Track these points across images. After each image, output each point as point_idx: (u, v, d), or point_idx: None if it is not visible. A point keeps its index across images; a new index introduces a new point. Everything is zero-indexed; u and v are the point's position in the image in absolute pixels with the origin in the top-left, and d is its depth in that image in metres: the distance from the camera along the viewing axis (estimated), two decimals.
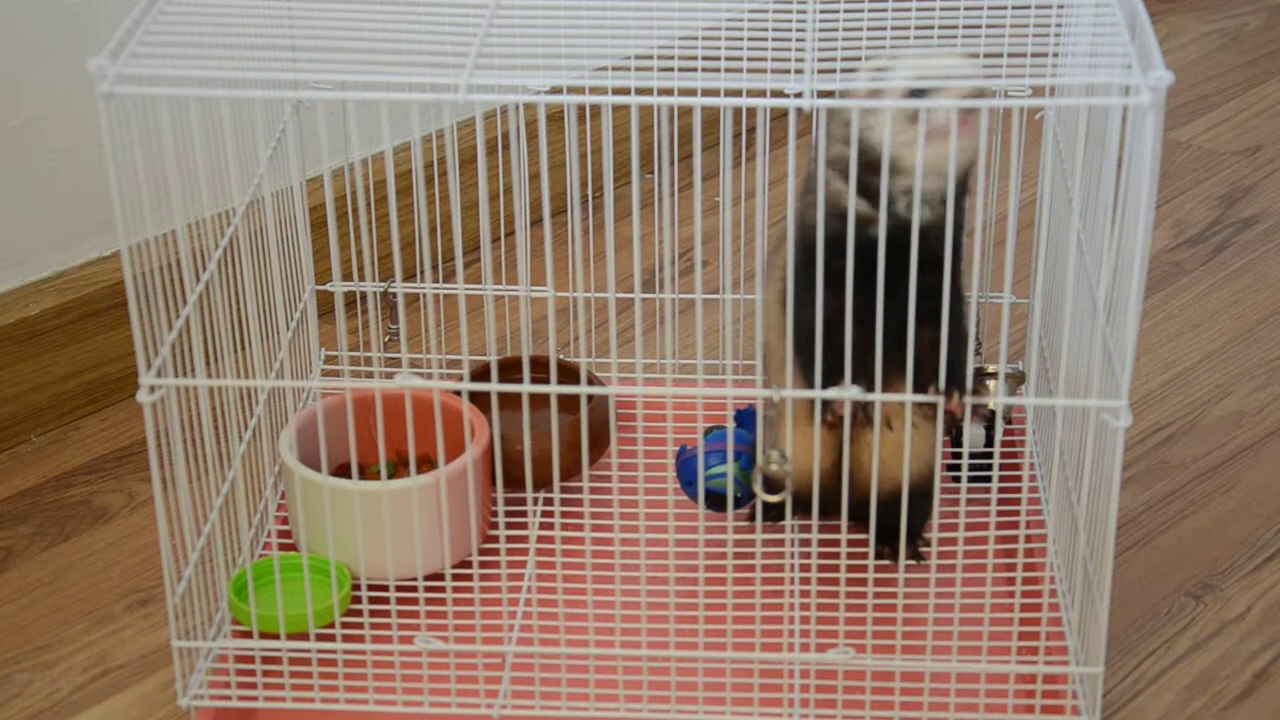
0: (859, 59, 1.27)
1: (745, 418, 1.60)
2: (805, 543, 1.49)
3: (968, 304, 1.36)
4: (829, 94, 1.18)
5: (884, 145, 1.30)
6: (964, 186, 1.35)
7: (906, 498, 1.37)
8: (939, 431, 1.39)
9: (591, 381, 1.63)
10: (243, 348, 1.33)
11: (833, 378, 1.30)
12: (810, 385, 1.36)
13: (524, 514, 1.57)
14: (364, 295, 1.85)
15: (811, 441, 1.42)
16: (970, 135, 1.29)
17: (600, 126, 1.84)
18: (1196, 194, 2.21)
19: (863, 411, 1.37)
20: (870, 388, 1.28)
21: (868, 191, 1.33)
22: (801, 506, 1.46)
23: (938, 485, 1.44)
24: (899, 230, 1.28)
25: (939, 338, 1.26)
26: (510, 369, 1.61)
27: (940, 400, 1.30)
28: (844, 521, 1.34)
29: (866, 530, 1.39)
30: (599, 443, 1.60)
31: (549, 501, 1.58)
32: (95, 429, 1.79)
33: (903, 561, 1.44)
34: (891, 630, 1.40)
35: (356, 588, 1.44)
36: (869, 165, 1.32)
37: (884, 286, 1.24)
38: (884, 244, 1.25)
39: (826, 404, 1.36)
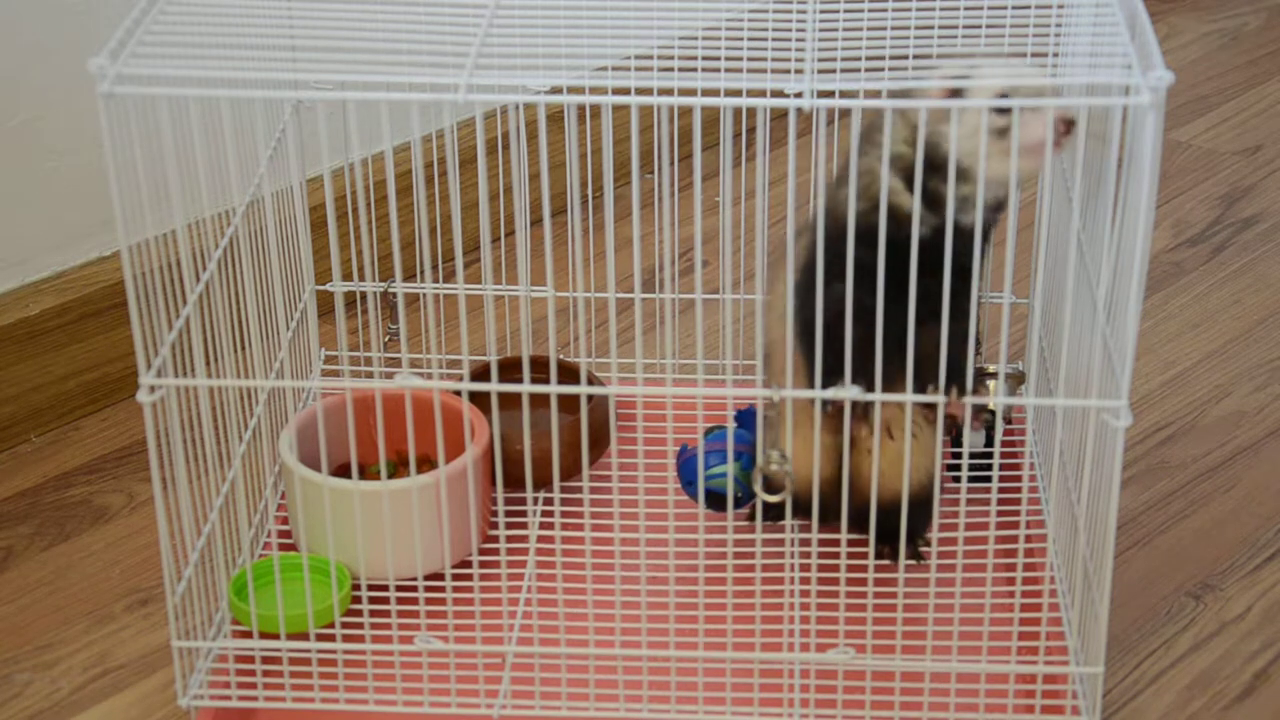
0: (859, 59, 1.27)
1: (745, 418, 1.60)
2: (805, 542, 1.49)
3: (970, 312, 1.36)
4: (829, 94, 1.17)
5: (952, 153, 1.29)
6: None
7: (907, 505, 1.37)
8: (939, 437, 1.39)
9: (591, 381, 1.63)
10: (243, 348, 1.33)
11: (839, 373, 1.30)
12: (810, 383, 1.36)
13: (524, 514, 1.57)
14: (364, 295, 1.85)
15: (812, 448, 1.42)
16: (1061, 150, 1.29)
17: (600, 126, 1.83)
18: (1196, 194, 2.21)
19: (864, 410, 1.37)
20: (874, 387, 1.28)
21: (926, 193, 1.32)
22: (801, 512, 1.46)
23: (938, 493, 1.44)
24: (939, 232, 1.27)
25: (953, 336, 1.26)
26: (510, 369, 1.61)
27: (941, 400, 1.30)
28: (844, 529, 1.33)
29: (867, 534, 1.39)
30: (599, 443, 1.60)
31: (549, 501, 1.58)
32: (95, 429, 1.79)
33: (903, 561, 1.44)
34: (891, 630, 1.40)
35: (356, 588, 1.44)
36: (937, 170, 1.31)
37: (915, 286, 1.24)
38: (896, 245, 1.24)
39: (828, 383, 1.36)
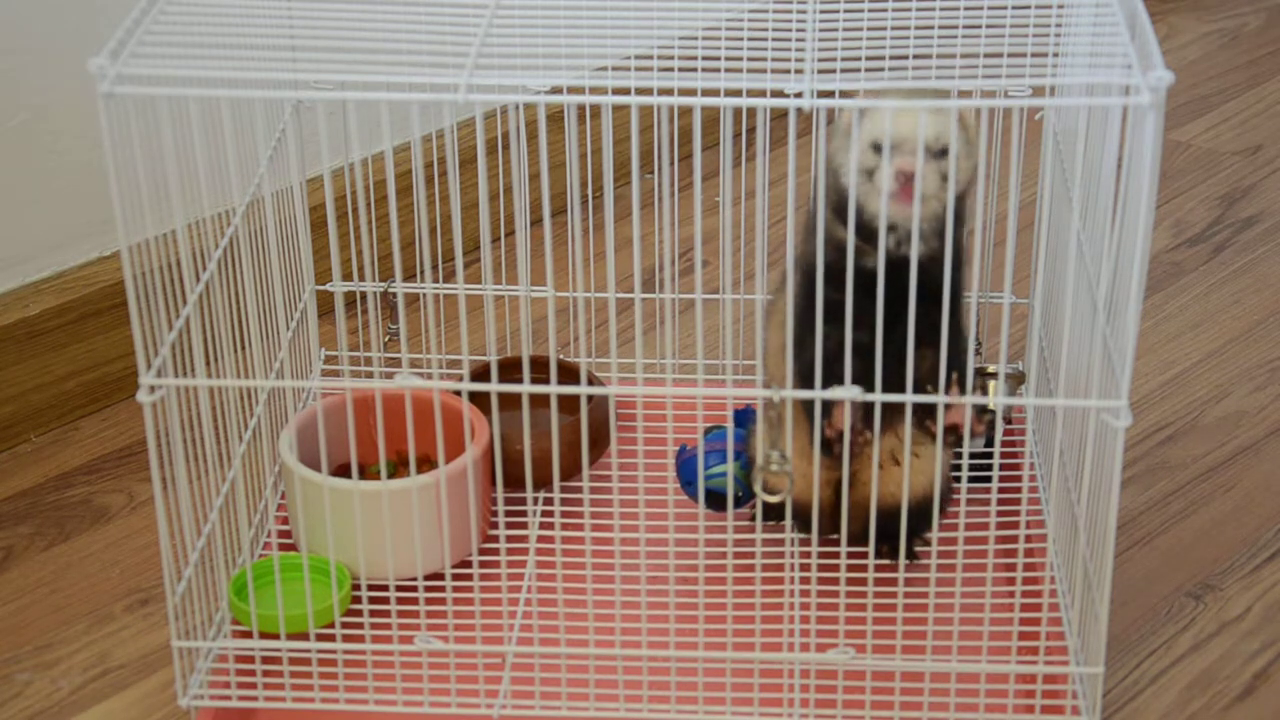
0: (859, 59, 1.27)
1: (742, 418, 1.60)
2: (805, 542, 1.49)
3: (966, 331, 1.36)
4: (829, 94, 1.18)
5: (852, 187, 1.33)
6: (959, 218, 1.35)
7: (906, 512, 1.37)
8: (939, 445, 1.39)
9: (591, 381, 1.63)
10: (243, 348, 1.33)
11: (836, 404, 1.31)
12: (810, 416, 1.37)
13: (524, 514, 1.57)
14: (364, 295, 1.85)
15: (811, 466, 1.41)
16: (906, 203, 1.29)
17: (600, 126, 1.84)
18: (1196, 194, 2.21)
19: (863, 421, 1.37)
20: (872, 414, 1.29)
21: (859, 225, 1.33)
22: (801, 526, 1.47)
23: (937, 499, 1.44)
24: (894, 262, 1.27)
25: (937, 361, 1.26)
26: (510, 369, 1.61)
27: (940, 401, 1.30)
28: (843, 542, 1.34)
29: (867, 546, 1.39)
30: (599, 443, 1.60)
31: (549, 501, 1.58)
32: (95, 429, 1.79)
33: (903, 561, 1.44)
34: (891, 630, 1.40)
35: (356, 588, 1.44)
36: (843, 202, 1.34)
37: (884, 316, 1.24)
38: (870, 276, 1.25)
39: (825, 415, 1.36)
